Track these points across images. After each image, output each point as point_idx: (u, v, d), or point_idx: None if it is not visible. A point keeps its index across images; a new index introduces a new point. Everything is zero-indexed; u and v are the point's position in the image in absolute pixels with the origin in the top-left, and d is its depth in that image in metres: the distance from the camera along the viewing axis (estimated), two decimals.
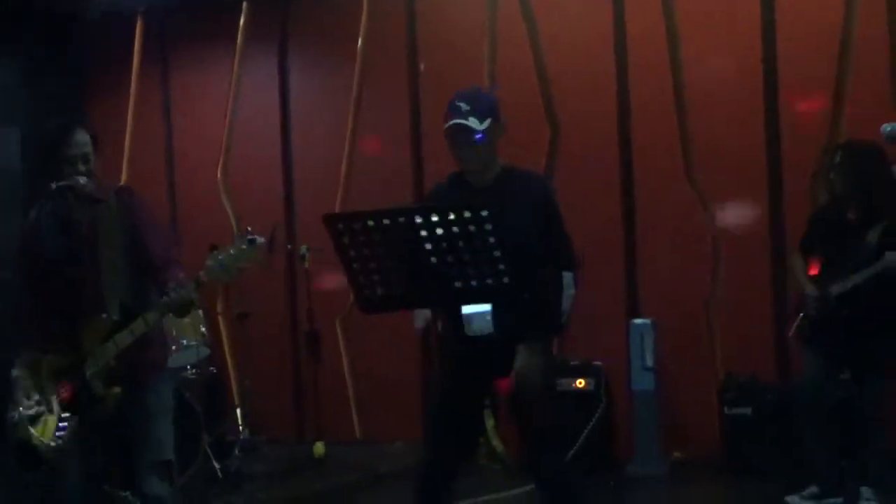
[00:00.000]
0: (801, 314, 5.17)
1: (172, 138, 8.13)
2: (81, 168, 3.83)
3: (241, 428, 7.03)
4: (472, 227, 3.29)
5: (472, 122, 3.82)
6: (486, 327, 3.82)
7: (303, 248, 6.58)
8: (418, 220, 3.32)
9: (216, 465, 6.11)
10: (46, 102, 7.67)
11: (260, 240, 3.75)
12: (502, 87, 6.87)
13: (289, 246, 7.29)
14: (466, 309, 3.80)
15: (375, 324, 7.34)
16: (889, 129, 3.63)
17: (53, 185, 3.80)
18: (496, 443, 6.60)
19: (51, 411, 3.88)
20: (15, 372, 3.95)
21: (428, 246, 3.34)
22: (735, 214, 6.55)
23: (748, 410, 6.01)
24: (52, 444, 3.83)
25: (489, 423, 6.65)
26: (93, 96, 8.32)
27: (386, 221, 3.36)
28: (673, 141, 6.63)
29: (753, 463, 5.94)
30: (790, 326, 5.29)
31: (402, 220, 3.35)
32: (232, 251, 3.73)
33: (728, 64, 6.58)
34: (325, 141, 7.69)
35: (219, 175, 7.90)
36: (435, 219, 3.30)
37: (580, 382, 6.29)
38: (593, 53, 6.89)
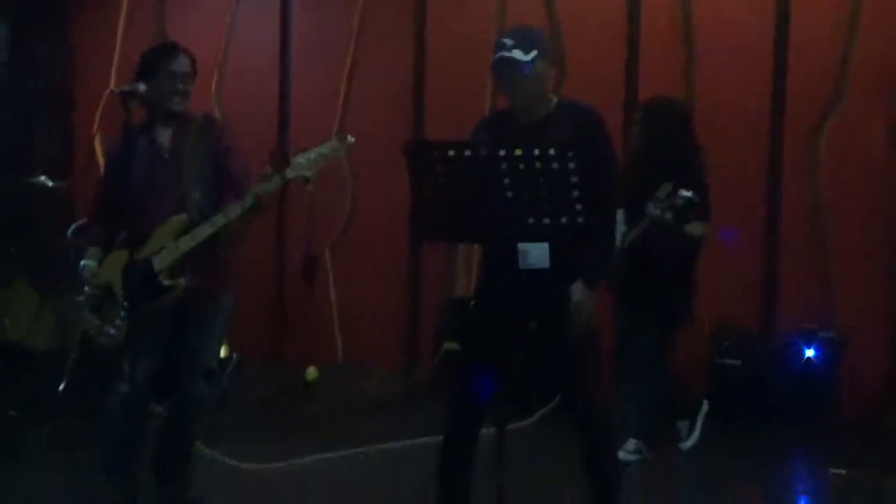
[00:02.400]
0: None
1: None
2: (180, 86, 4.16)
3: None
4: (555, 165, 3.29)
5: (517, 54, 3.80)
6: (543, 261, 3.81)
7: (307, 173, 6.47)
8: (501, 153, 3.31)
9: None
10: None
11: (350, 138, 4.11)
12: None
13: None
14: (525, 244, 3.80)
15: (364, 252, 7.43)
16: None
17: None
18: None
19: (113, 302, 4.09)
20: (83, 262, 4.24)
21: (506, 181, 3.33)
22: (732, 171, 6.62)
23: (738, 362, 6.21)
24: (112, 331, 4.07)
25: None
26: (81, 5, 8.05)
27: (468, 153, 3.34)
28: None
29: (738, 411, 6.14)
30: None
31: (484, 153, 3.33)
32: (323, 148, 4.09)
33: (740, 14, 6.59)
34: (324, 68, 7.57)
35: (212, 96, 7.70)
36: (518, 153, 3.30)
37: None
38: (605, 10, 6.87)
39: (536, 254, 3.85)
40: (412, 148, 3.40)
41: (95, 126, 7.89)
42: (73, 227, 6.34)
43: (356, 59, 7.50)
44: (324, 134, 7.00)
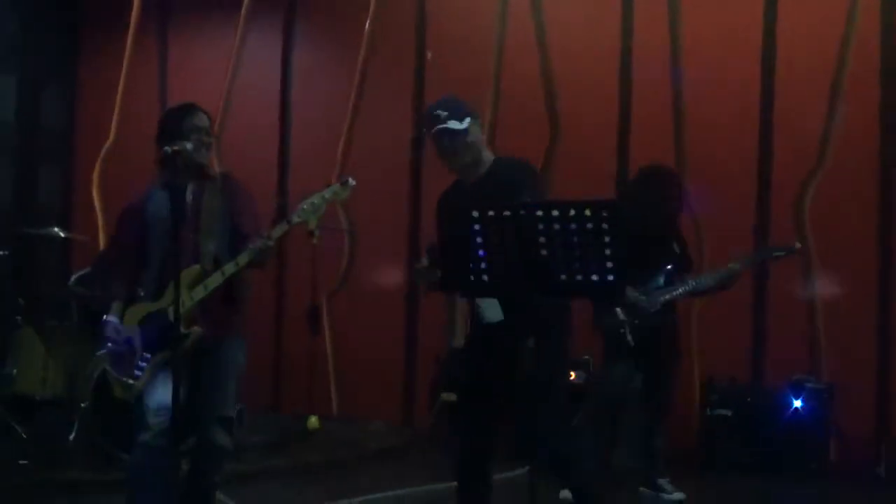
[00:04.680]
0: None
1: (167, 101, 8.06)
2: (204, 139, 4.31)
3: None
4: (590, 225, 3.48)
5: (453, 125, 4.14)
6: (497, 315, 4.09)
7: (313, 224, 6.61)
8: (539, 213, 3.50)
9: None
10: (41, 54, 7.58)
11: (352, 181, 4.20)
12: (507, 86, 7.18)
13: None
14: (480, 299, 4.10)
15: (360, 304, 7.56)
16: None
17: (168, 150, 3.96)
18: None
19: (132, 352, 4.22)
20: (106, 317, 4.34)
21: (542, 239, 3.52)
22: (723, 226, 6.86)
23: (729, 412, 6.42)
24: (129, 381, 4.21)
25: None
26: (88, 51, 8.20)
27: (507, 213, 3.53)
28: (668, 155, 6.92)
29: (729, 460, 6.35)
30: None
31: (522, 212, 3.52)
32: (325, 192, 4.19)
33: (728, 82, 6.87)
34: (323, 119, 7.78)
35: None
36: (555, 213, 3.49)
37: (571, 375, 6.55)
38: (599, 61, 7.14)
39: (491, 310, 4.13)
40: (451, 211, 3.57)
41: (95, 178, 8.02)
42: (74, 276, 6.42)
43: (355, 112, 7.72)
44: (322, 183, 7.34)
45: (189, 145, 4.11)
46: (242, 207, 4.43)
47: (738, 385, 6.59)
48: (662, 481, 5.64)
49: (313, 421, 6.74)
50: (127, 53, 8.20)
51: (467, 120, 4.17)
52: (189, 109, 4.45)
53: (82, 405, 5.87)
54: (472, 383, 4.28)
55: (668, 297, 5.48)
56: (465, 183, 4.29)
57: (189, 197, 4.36)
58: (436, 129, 4.18)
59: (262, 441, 6.53)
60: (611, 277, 3.56)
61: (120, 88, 8.16)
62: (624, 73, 7.10)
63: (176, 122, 4.38)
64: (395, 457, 6.75)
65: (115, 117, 8.05)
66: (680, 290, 5.52)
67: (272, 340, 7.78)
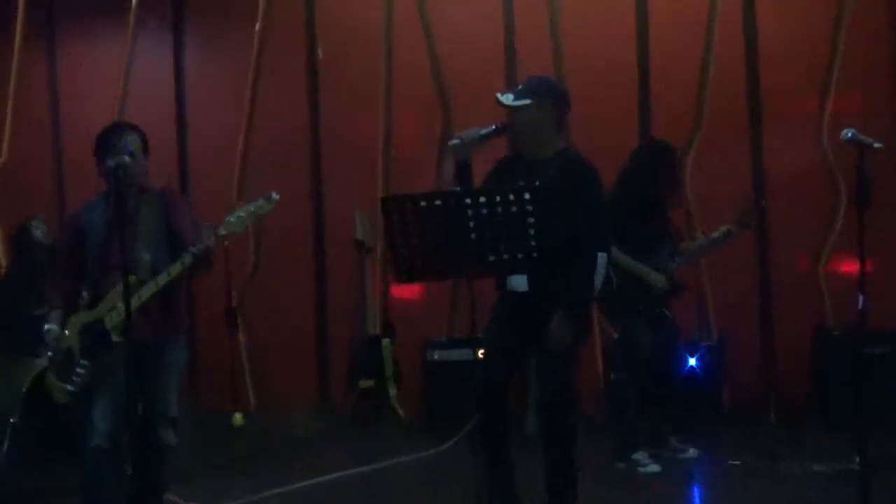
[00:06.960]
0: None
1: (59, 112, 8.05)
2: (127, 158, 4.34)
3: None
4: (514, 208, 3.79)
5: (504, 99, 4.35)
6: (522, 285, 4.29)
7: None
8: (467, 201, 3.79)
9: None
10: None
11: (275, 195, 4.48)
12: (398, 77, 7.45)
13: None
14: None
15: (270, 299, 7.73)
16: (850, 134, 4.17)
17: (111, 164, 4.14)
18: (399, 409, 7.12)
19: (71, 360, 4.41)
20: (46, 326, 4.54)
21: (471, 224, 3.81)
22: None
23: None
24: (69, 387, 4.39)
25: (392, 391, 7.15)
26: None
27: (437, 202, 3.82)
28: None
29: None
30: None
31: (452, 201, 3.81)
32: (251, 206, 4.44)
33: (606, 62, 7.29)
34: (220, 121, 7.89)
35: None
36: (482, 200, 3.79)
37: None
38: (483, 46, 7.45)
39: (517, 278, 4.34)
40: (385, 203, 3.82)
41: None
42: None
43: (252, 110, 7.86)
44: (223, 186, 7.51)
45: (128, 159, 4.28)
46: (181, 218, 4.58)
47: None
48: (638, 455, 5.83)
49: (238, 418, 6.92)
50: (14, 67, 8.13)
51: (527, 101, 4.31)
52: (120, 129, 4.63)
53: (11, 420, 5.90)
54: (498, 331, 4.45)
55: (676, 265, 5.82)
56: (524, 158, 4.43)
57: (127, 208, 4.48)
58: (496, 95, 4.38)
59: (187, 438, 6.62)
60: (535, 255, 3.89)
61: (9, 104, 8.11)
62: (509, 55, 7.42)
63: (110, 140, 4.53)
64: (320, 443, 6.96)
65: (6, 136, 8.03)
66: (684, 259, 5.89)
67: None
